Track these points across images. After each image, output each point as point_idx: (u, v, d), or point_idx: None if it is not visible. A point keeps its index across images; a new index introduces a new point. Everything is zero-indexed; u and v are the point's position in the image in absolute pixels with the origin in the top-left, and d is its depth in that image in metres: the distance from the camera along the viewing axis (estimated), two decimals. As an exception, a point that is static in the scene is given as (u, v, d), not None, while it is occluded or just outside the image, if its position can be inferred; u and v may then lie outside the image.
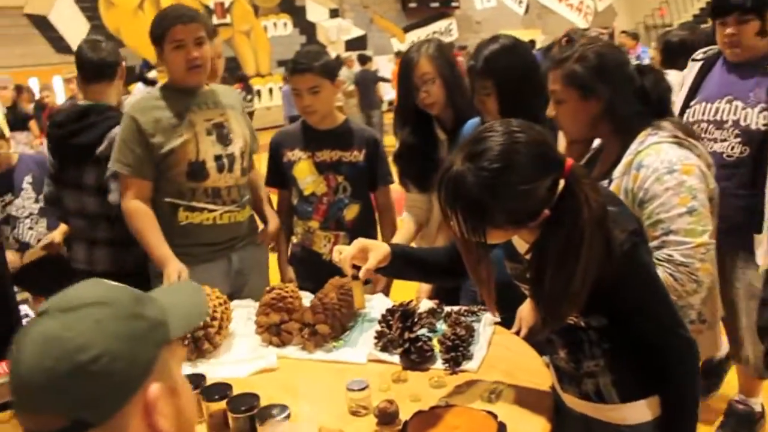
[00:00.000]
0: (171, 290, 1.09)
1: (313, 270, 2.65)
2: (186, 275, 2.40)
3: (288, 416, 1.54)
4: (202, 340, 2.06)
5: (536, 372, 1.80)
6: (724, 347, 2.69)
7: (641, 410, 1.48)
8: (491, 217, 1.31)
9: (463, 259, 1.45)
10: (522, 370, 1.81)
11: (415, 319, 1.91)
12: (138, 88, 11.50)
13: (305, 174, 2.63)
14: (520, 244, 1.48)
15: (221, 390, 1.70)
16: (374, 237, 2.75)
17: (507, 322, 2.03)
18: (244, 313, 2.32)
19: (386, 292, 2.65)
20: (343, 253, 1.65)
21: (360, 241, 1.66)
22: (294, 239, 2.76)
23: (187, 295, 1.05)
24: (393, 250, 1.68)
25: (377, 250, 1.66)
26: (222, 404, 1.66)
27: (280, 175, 2.71)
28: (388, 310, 2.05)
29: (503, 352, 1.93)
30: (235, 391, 1.83)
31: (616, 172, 1.65)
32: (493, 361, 1.88)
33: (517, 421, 1.58)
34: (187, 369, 2.00)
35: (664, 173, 1.56)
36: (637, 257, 1.38)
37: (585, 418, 1.57)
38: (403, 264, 1.71)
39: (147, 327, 0.87)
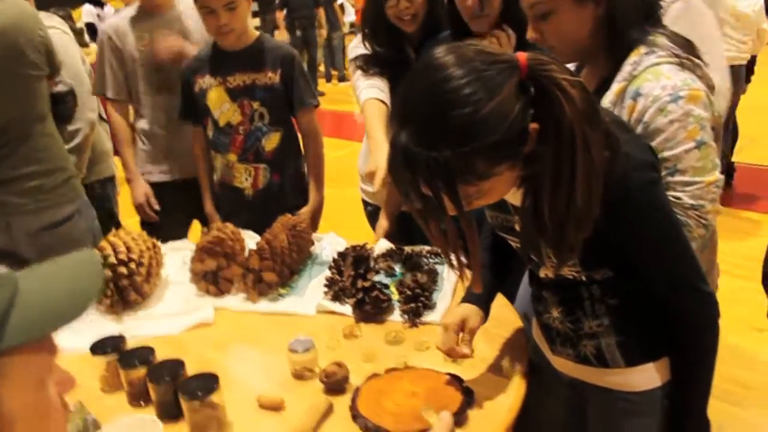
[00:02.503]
0: (45, 269, 0.79)
1: (236, 208, 2.38)
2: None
3: (213, 389, 1.29)
4: (128, 290, 1.80)
5: (509, 323, 1.57)
6: None
7: (649, 375, 1.25)
8: (479, 167, 1.01)
9: (438, 243, 1.13)
10: (493, 322, 1.58)
11: (370, 266, 1.66)
12: (87, 9, 10.82)
13: (219, 102, 2.30)
14: (513, 197, 1.20)
15: (142, 355, 1.45)
16: (299, 168, 2.47)
17: None
18: (179, 258, 2.06)
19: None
20: (442, 345, 1.37)
21: (448, 326, 1.37)
22: (215, 177, 2.46)
23: (68, 273, 0.77)
24: (483, 304, 1.42)
25: (471, 318, 1.39)
26: (141, 372, 1.41)
27: (193, 105, 2.38)
28: (339, 254, 1.80)
29: (470, 299, 1.70)
30: (165, 352, 1.59)
31: (605, 101, 1.34)
32: (458, 311, 1.65)
33: (485, 385, 1.36)
34: (112, 325, 1.75)
35: (668, 102, 1.27)
36: (656, 195, 1.12)
37: (578, 384, 1.35)
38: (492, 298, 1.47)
39: None
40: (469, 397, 1.29)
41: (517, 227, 1.24)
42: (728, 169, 4.76)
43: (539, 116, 1.01)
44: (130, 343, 1.54)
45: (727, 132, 4.60)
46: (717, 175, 1.30)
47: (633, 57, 1.34)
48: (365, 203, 2.37)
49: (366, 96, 2.05)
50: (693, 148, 1.27)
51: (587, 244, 1.09)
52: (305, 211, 2.35)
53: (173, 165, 2.58)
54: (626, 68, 1.34)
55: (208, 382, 1.32)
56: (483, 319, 1.41)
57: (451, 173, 1.00)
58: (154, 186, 2.60)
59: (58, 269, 0.79)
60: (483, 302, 1.42)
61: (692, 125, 1.27)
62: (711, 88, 1.38)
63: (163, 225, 2.51)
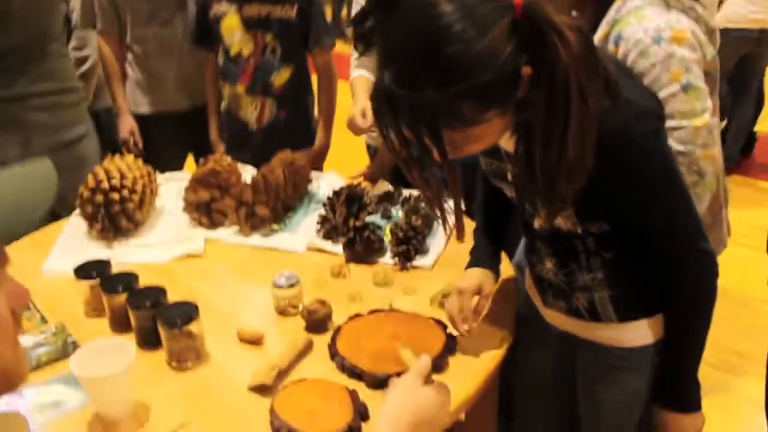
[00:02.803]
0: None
1: (239, 141, 2.36)
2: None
3: (192, 318, 1.27)
4: (120, 217, 1.77)
5: (503, 274, 1.53)
6: None
7: (642, 331, 1.21)
8: (466, 111, 0.94)
9: (421, 190, 1.08)
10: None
11: (363, 205, 1.62)
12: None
13: (233, 30, 2.24)
14: (507, 143, 1.15)
15: (125, 281, 1.43)
16: (307, 107, 2.43)
17: None
18: (175, 189, 2.02)
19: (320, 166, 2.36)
20: (455, 310, 1.28)
21: (464, 290, 1.30)
22: (222, 105, 2.43)
23: (19, 182, 0.73)
24: (494, 268, 1.39)
25: (487, 284, 1.34)
26: (123, 298, 1.39)
27: (206, 31, 2.32)
28: (334, 192, 1.76)
29: (466, 247, 1.66)
30: (152, 279, 1.58)
31: None
32: (452, 258, 1.61)
33: (470, 333, 1.32)
34: (102, 251, 1.73)
35: (650, 44, 1.20)
36: (658, 146, 1.06)
37: (569, 338, 1.31)
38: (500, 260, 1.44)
39: None
40: (451, 342, 1.27)
41: (509, 176, 1.19)
42: (749, 138, 4.64)
43: (533, 60, 0.93)
44: (119, 270, 1.52)
45: (751, 99, 4.46)
46: (707, 119, 1.23)
47: (617, 2, 1.28)
48: (368, 146, 2.33)
49: (356, 74, 2.07)
50: (678, 90, 1.21)
51: (583, 196, 1.04)
52: (311, 150, 2.30)
53: (164, 97, 2.54)
54: (610, 13, 1.29)
55: (188, 311, 1.29)
56: (495, 283, 1.38)
57: (436, 117, 0.93)
58: (146, 118, 2.56)
59: (8, 178, 0.76)
60: (495, 266, 1.39)
61: (676, 67, 1.20)
62: (711, 31, 1.31)
63: (157, 157, 2.48)
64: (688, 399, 1.20)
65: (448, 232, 1.15)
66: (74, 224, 1.88)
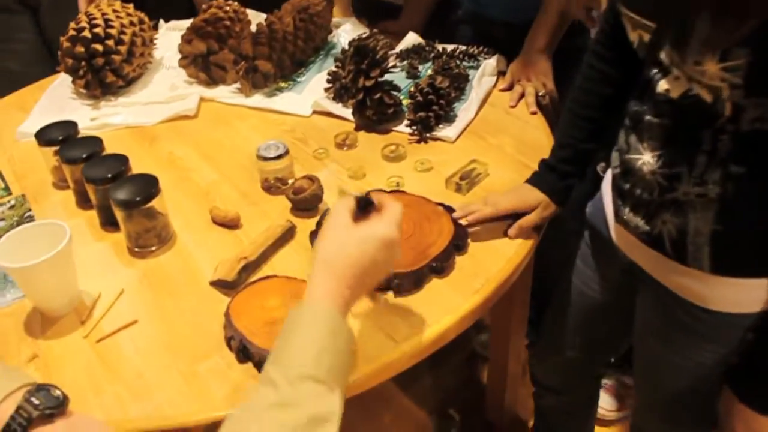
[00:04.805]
0: None
1: None
2: None
3: (152, 195, 1.04)
4: (105, 71, 1.53)
5: (541, 149, 1.23)
6: None
7: (742, 295, 0.85)
8: None
9: None
10: (522, 149, 1.24)
11: (377, 60, 1.31)
12: None
13: None
14: None
15: (89, 146, 1.21)
16: None
17: None
18: (177, 39, 1.75)
19: None
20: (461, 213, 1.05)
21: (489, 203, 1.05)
22: None
23: None
24: (554, 192, 1.06)
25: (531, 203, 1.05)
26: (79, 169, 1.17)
27: None
28: (349, 43, 1.45)
29: (501, 117, 1.35)
30: (132, 145, 1.38)
31: None
32: (481, 130, 1.31)
33: (487, 226, 1.05)
34: (87, 110, 1.51)
35: None
36: None
37: (636, 272, 0.96)
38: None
39: None
40: (460, 237, 1.00)
41: None
42: None
43: None
44: (102, 134, 1.29)
45: None
46: None
47: None
48: None
49: None
50: None
51: None
52: None
53: None
54: None
55: (149, 185, 1.07)
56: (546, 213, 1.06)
57: None
58: None
59: None
60: (558, 191, 1.06)
61: None
62: None
63: None
64: None
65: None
66: (62, 80, 1.66)
